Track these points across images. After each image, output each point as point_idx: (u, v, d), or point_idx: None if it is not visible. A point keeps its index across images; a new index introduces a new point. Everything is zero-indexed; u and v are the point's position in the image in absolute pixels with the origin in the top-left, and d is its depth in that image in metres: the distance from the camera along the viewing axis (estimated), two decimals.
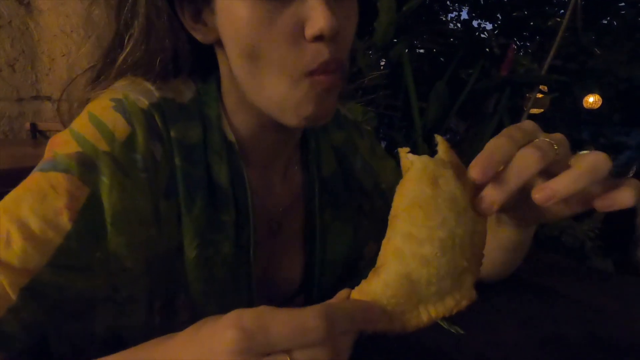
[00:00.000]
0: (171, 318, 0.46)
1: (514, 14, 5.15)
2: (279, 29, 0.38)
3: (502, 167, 0.31)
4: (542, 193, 0.31)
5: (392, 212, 0.32)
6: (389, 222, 0.32)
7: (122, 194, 0.40)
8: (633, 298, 0.61)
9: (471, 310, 0.55)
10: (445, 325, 0.51)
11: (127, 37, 0.46)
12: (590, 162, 0.31)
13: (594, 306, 0.58)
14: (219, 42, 0.45)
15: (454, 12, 6.90)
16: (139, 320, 0.42)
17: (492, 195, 0.31)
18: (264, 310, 0.26)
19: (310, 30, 0.38)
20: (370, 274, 0.31)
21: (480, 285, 0.59)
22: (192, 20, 0.45)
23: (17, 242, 0.35)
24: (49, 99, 2.72)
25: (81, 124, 0.42)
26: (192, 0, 0.44)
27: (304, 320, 0.25)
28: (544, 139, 0.33)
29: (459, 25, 6.93)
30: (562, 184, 0.31)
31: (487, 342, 0.50)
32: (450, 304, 0.31)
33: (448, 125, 2.79)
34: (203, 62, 0.48)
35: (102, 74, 0.48)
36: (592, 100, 7.22)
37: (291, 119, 0.43)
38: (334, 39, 0.39)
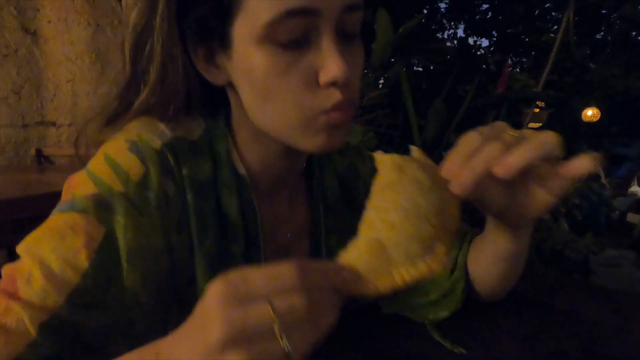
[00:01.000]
0: None
1: (509, 30, 5.24)
2: (295, 77, 0.41)
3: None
4: (501, 166, 0.35)
5: (370, 195, 0.36)
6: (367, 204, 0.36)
7: (136, 232, 0.41)
8: (632, 314, 0.62)
9: (473, 328, 0.57)
10: (448, 345, 0.52)
11: (142, 83, 0.47)
12: (539, 138, 0.36)
13: (593, 322, 0.59)
14: (231, 82, 0.47)
15: (451, 30, 7.03)
16: None
17: (462, 178, 0.36)
18: (246, 268, 0.29)
19: (325, 78, 0.41)
20: (348, 245, 0.35)
21: (482, 304, 0.61)
22: (205, 62, 0.47)
23: (38, 280, 0.37)
24: (53, 124, 2.76)
25: (97, 165, 0.44)
26: (205, 44, 0.46)
27: (279, 268, 0.28)
28: (511, 132, 0.37)
29: (455, 42, 7.05)
30: (517, 156, 0.35)
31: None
32: (422, 268, 0.33)
33: (448, 141, 2.82)
34: (212, 99, 0.50)
35: (117, 116, 0.49)
36: (590, 113, 7.28)
37: (304, 147, 0.45)
38: (345, 84, 0.42)
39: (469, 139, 0.37)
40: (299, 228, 0.59)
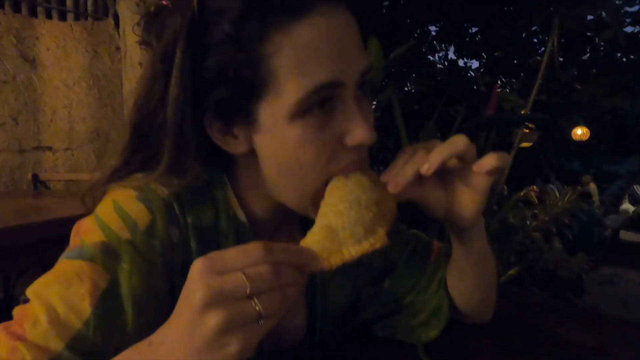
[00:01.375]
0: None
1: (496, 53, 5.38)
2: (323, 142, 0.43)
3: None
4: (424, 166, 0.44)
5: (322, 200, 0.44)
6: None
7: (141, 278, 0.43)
8: (611, 335, 0.65)
9: (460, 350, 0.59)
10: None
11: (159, 157, 0.46)
12: (450, 140, 0.45)
13: (573, 343, 0.62)
14: (251, 151, 0.46)
15: (441, 52, 7.20)
16: None
17: (396, 179, 0.45)
18: (222, 250, 0.34)
19: (353, 142, 0.43)
20: (306, 234, 0.42)
21: (468, 325, 0.63)
22: (221, 134, 0.46)
23: (43, 324, 0.39)
24: (49, 148, 2.78)
25: (106, 212, 0.45)
26: (224, 116, 0.45)
27: (248, 246, 0.34)
28: (435, 144, 0.46)
29: (446, 63, 7.21)
30: (434, 155, 0.44)
31: None
32: (365, 245, 0.41)
33: None
34: (214, 152, 0.50)
35: (127, 170, 0.49)
36: (580, 132, 7.43)
37: (311, 216, 0.46)
38: (371, 143, 0.45)
39: (403, 153, 0.46)
40: None
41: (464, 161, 0.46)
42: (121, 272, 0.43)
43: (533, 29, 5.69)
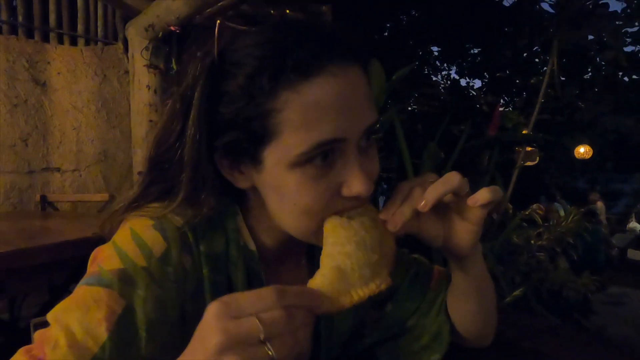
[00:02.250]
0: None
1: (497, 74, 5.45)
2: (322, 190, 0.45)
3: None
4: (421, 203, 0.46)
5: (323, 238, 0.45)
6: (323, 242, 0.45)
7: (155, 304, 0.45)
8: (605, 356, 0.67)
9: None
10: None
11: (175, 191, 0.49)
12: (445, 177, 0.47)
13: None
14: (254, 186, 0.49)
15: (444, 71, 7.29)
16: None
17: (394, 218, 0.46)
18: (236, 293, 0.35)
19: (349, 193, 0.45)
20: (315, 275, 0.43)
21: (470, 349, 0.64)
22: (229, 169, 0.49)
23: (62, 348, 0.41)
24: (58, 170, 2.83)
25: (124, 240, 0.47)
26: (233, 155, 0.48)
27: (261, 291, 0.35)
28: (431, 180, 0.47)
29: (448, 82, 7.30)
30: (430, 193, 0.46)
31: None
32: (372, 287, 0.42)
33: None
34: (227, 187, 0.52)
35: (145, 200, 0.52)
36: (583, 150, 7.43)
37: (316, 244, 0.49)
38: (367, 194, 0.46)
39: (400, 189, 0.48)
40: None
41: (459, 196, 0.48)
42: (136, 298, 0.45)
43: (535, 49, 5.78)
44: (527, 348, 0.68)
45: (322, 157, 0.44)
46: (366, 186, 0.45)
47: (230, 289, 0.52)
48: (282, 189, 0.46)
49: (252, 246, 0.54)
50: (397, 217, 0.46)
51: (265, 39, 0.44)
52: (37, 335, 0.43)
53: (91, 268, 0.47)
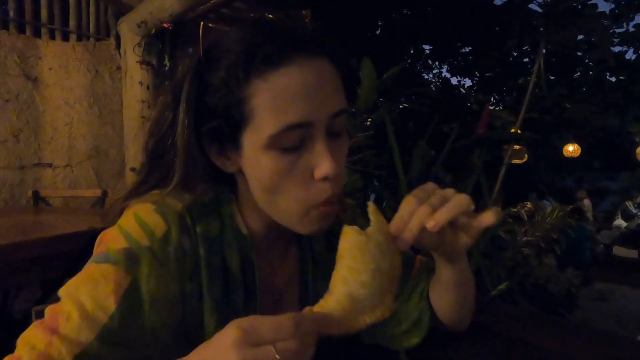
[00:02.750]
0: None
1: (486, 74, 5.51)
2: (294, 175, 0.50)
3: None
4: (430, 223, 0.47)
5: (339, 252, 0.46)
6: (336, 259, 0.46)
7: (157, 280, 0.49)
8: (572, 339, 0.71)
9: (439, 355, 0.63)
10: None
11: (170, 176, 0.55)
12: (455, 200, 0.48)
13: (539, 347, 0.68)
14: (240, 171, 0.55)
15: (435, 70, 7.34)
16: None
17: (403, 237, 0.47)
18: (254, 317, 0.38)
19: (319, 174, 0.50)
20: (326, 295, 0.44)
21: (448, 335, 0.68)
22: (217, 155, 0.55)
23: (75, 319, 0.45)
24: (49, 165, 2.83)
25: (128, 223, 0.52)
26: (218, 143, 0.54)
27: (280, 321, 0.37)
28: (437, 194, 0.49)
29: (440, 81, 7.35)
30: (439, 215, 0.47)
31: None
32: (378, 314, 0.45)
33: (434, 178, 2.93)
34: (221, 173, 0.58)
35: (145, 187, 0.58)
36: (571, 149, 7.54)
37: (299, 231, 0.55)
38: (335, 178, 0.51)
39: (408, 204, 0.48)
40: (290, 275, 0.67)
41: (466, 214, 0.50)
42: (141, 274, 0.49)
43: (524, 48, 5.86)
44: (505, 334, 0.73)
45: (292, 144, 0.49)
46: (333, 167, 0.49)
47: (224, 269, 0.56)
48: (259, 172, 0.51)
49: (244, 230, 0.59)
50: (406, 235, 0.47)
51: (241, 36, 0.50)
52: (48, 310, 0.47)
53: (98, 249, 0.51)
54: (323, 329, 0.40)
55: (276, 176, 0.50)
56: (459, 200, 0.48)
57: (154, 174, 0.57)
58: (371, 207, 0.47)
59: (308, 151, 0.50)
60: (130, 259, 0.49)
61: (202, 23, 0.52)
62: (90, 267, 0.49)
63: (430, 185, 0.50)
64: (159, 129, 0.55)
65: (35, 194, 2.51)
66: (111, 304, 0.46)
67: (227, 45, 0.50)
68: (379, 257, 0.44)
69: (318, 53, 0.50)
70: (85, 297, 0.46)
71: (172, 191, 0.55)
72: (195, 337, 0.54)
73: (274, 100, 0.48)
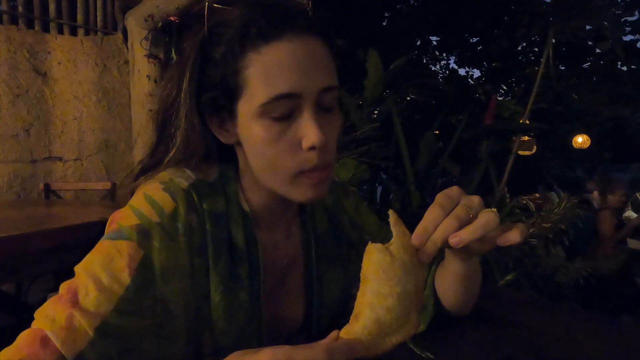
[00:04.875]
0: (198, 351, 0.58)
1: (493, 64, 5.45)
2: (284, 143, 0.53)
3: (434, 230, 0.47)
4: (454, 239, 0.45)
5: (363, 272, 0.45)
6: (361, 280, 0.45)
7: (168, 254, 0.52)
8: (576, 324, 0.72)
9: (442, 338, 0.65)
10: (418, 351, 0.60)
11: (171, 145, 0.60)
12: (484, 219, 0.46)
13: (543, 332, 0.68)
14: (238, 142, 0.59)
15: (443, 61, 7.28)
16: (178, 352, 0.53)
17: (427, 250, 0.46)
18: (288, 349, 0.38)
19: (306, 144, 0.52)
20: (352, 319, 0.44)
21: (452, 319, 0.69)
22: (218, 127, 0.59)
23: (93, 292, 0.47)
24: (60, 159, 2.87)
25: (138, 201, 0.55)
26: (218, 115, 0.58)
27: (315, 355, 0.37)
28: (463, 204, 0.47)
29: (447, 71, 7.28)
30: (465, 234, 0.45)
31: None
32: (403, 333, 0.44)
33: (442, 169, 2.92)
34: (224, 150, 0.62)
35: (150, 169, 0.62)
36: (580, 140, 7.46)
37: (293, 198, 0.57)
38: (322, 148, 0.53)
39: (432, 214, 0.46)
40: (294, 256, 0.68)
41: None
42: (152, 248, 0.52)
43: (533, 38, 5.78)
44: (510, 319, 0.74)
45: (282, 114, 0.52)
46: (319, 137, 0.52)
47: (230, 245, 0.59)
48: (251, 141, 0.55)
49: (247, 208, 0.62)
50: (430, 248, 0.46)
51: (240, 14, 0.54)
52: (63, 285, 0.49)
53: (111, 227, 0.54)
54: (352, 356, 0.41)
55: (266, 143, 0.53)
56: (486, 220, 0.46)
57: (160, 147, 0.61)
58: (392, 217, 0.46)
59: (297, 122, 0.53)
60: (142, 235, 0.52)
61: (207, 4, 0.56)
62: (104, 244, 0.51)
63: (455, 192, 0.49)
64: (166, 100, 0.59)
65: (47, 187, 2.55)
66: (126, 277, 0.49)
67: (228, 23, 0.54)
68: (404, 279, 0.44)
69: (311, 32, 0.54)
70: (101, 271, 0.49)
71: (175, 165, 0.58)
72: (202, 309, 0.57)
73: (266, 71, 0.52)
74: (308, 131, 0.52)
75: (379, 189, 3.04)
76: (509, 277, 2.00)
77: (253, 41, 0.52)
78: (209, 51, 0.56)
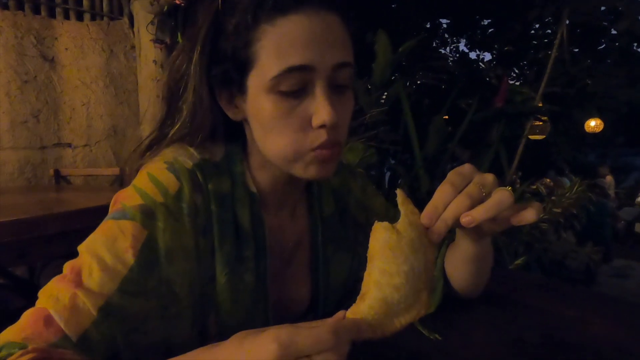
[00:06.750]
0: (204, 332, 0.57)
1: (505, 48, 5.33)
2: (293, 119, 0.51)
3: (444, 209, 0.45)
4: (466, 218, 0.43)
5: (370, 251, 0.43)
6: (368, 259, 0.43)
7: (172, 235, 0.51)
8: (587, 306, 0.70)
9: (451, 320, 0.64)
10: (426, 332, 0.60)
11: (177, 118, 0.58)
12: (497, 197, 0.44)
13: (553, 314, 0.67)
14: (246, 119, 0.57)
15: (452, 45, 7.13)
16: (183, 333, 0.53)
17: (437, 229, 0.44)
18: (292, 328, 0.37)
19: (316, 121, 0.51)
20: (358, 299, 0.43)
21: (461, 300, 0.68)
22: (227, 102, 0.57)
23: (97, 272, 0.47)
24: (69, 145, 2.89)
25: (142, 181, 0.54)
26: (227, 89, 0.56)
27: (320, 334, 0.36)
28: (475, 182, 0.45)
29: (457, 55, 7.13)
30: (478, 213, 0.43)
31: (460, 345, 0.58)
32: (413, 314, 0.43)
33: (451, 154, 2.89)
34: (232, 129, 0.60)
35: (156, 144, 0.61)
36: (593, 124, 7.31)
37: (299, 175, 0.55)
38: (333, 127, 0.51)
39: (443, 192, 0.45)
40: (300, 238, 0.67)
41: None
42: (156, 228, 0.51)
43: (546, 20, 5.62)
44: (519, 301, 0.72)
45: (293, 89, 0.50)
46: (331, 115, 0.50)
47: (236, 226, 0.58)
48: (260, 116, 0.53)
49: (253, 188, 0.60)
50: (440, 227, 0.44)
51: None
52: (67, 265, 0.49)
53: (114, 207, 0.53)
54: (358, 336, 0.40)
55: (275, 118, 0.52)
56: (500, 198, 0.43)
57: (167, 120, 0.60)
58: (400, 195, 0.44)
59: (308, 99, 0.51)
60: (146, 215, 0.51)
61: None
62: (107, 224, 0.51)
63: (467, 169, 0.46)
64: (176, 73, 0.58)
65: (57, 172, 2.58)
66: (130, 257, 0.48)
67: None
68: (412, 257, 0.42)
69: (329, 8, 0.52)
70: (105, 251, 0.48)
71: (180, 140, 0.57)
72: (207, 291, 0.56)
73: (279, 43, 0.50)
74: (320, 108, 0.50)
75: (387, 174, 3.02)
76: (518, 262, 1.98)
77: (269, 12, 0.50)
78: (222, 22, 0.54)
